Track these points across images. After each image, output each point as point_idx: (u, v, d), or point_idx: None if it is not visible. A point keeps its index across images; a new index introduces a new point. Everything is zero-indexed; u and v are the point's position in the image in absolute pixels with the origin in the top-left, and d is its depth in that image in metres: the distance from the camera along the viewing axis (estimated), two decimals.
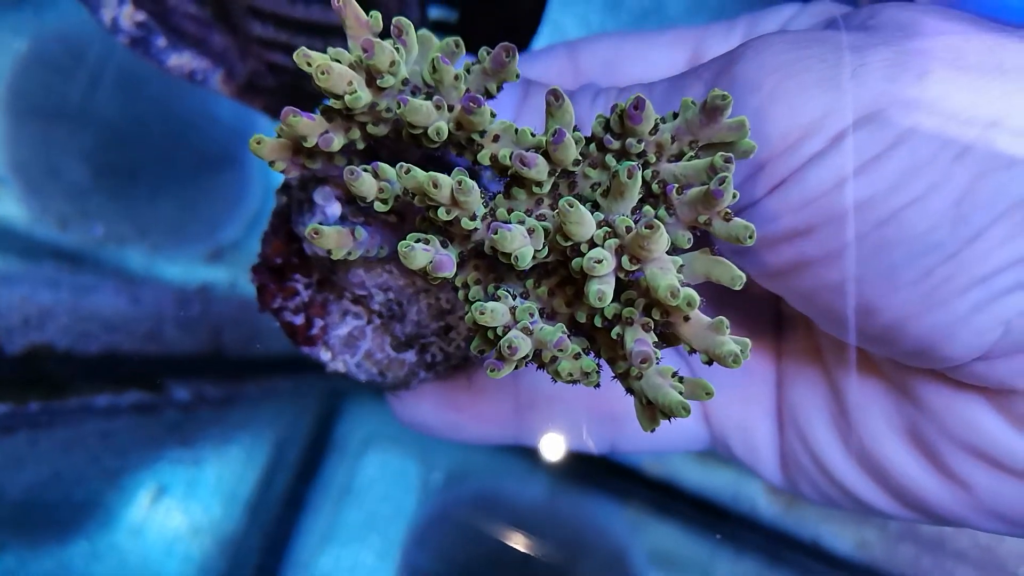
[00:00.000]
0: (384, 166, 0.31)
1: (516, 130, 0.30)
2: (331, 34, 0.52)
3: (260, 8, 0.46)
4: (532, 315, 0.29)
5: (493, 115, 0.31)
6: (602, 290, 0.27)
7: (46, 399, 0.72)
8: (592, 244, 0.28)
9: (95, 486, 0.86)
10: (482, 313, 0.28)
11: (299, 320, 0.41)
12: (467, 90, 0.31)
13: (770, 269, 0.33)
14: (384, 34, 0.37)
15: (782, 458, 0.44)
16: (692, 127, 0.29)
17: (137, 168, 0.96)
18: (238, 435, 1.04)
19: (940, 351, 0.31)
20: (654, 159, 0.30)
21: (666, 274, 0.27)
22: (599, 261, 0.27)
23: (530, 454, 1.03)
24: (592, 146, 0.31)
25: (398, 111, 0.29)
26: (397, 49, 0.31)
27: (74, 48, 0.89)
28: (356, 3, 0.30)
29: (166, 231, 0.99)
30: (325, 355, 0.42)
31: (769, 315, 0.45)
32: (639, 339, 0.28)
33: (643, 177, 0.30)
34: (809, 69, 0.30)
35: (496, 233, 0.27)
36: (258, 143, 0.31)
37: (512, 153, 0.29)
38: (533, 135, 0.30)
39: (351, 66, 0.29)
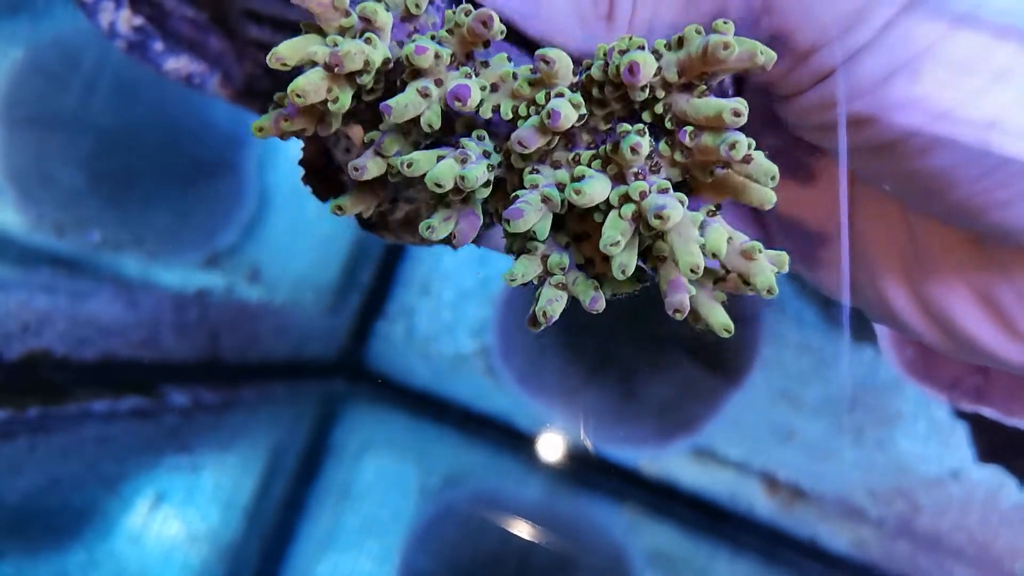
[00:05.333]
0: (386, 150, 0.30)
1: (514, 75, 0.29)
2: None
3: (257, 11, 0.46)
4: (564, 268, 0.29)
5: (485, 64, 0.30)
6: (624, 263, 0.27)
7: (44, 405, 0.72)
8: (608, 205, 0.27)
9: (93, 493, 0.86)
10: (513, 279, 0.28)
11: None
12: (454, 57, 0.30)
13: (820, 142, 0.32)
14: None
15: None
16: (697, 62, 0.27)
17: (133, 174, 0.96)
18: (236, 441, 1.04)
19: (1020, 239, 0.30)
20: (663, 94, 0.28)
21: (687, 244, 0.26)
22: (615, 244, 0.26)
23: (528, 455, 1.03)
24: (595, 89, 0.29)
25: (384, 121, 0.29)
26: (369, 39, 0.29)
27: (69, 55, 0.89)
28: None
29: (162, 237, 0.99)
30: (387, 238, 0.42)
31: None
32: (673, 281, 0.27)
33: (655, 110, 0.29)
34: None
35: (508, 223, 0.27)
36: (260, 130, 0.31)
37: (512, 137, 0.28)
38: (532, 83, 0.28)
39: (326, 66, 0.28)
